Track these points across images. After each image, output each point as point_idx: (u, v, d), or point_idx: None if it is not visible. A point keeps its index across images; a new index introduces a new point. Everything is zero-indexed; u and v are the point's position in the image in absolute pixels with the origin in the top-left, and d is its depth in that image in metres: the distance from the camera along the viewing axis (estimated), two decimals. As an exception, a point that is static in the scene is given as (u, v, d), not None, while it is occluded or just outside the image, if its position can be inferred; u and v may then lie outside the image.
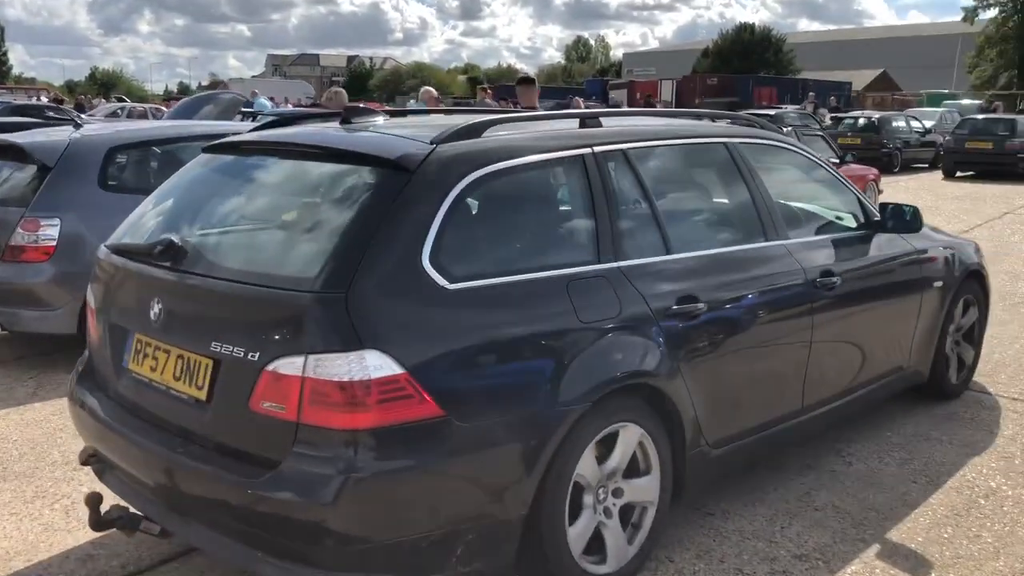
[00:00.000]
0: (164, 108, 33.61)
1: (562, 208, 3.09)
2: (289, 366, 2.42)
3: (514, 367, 2.65)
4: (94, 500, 2.92)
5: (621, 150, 3.20)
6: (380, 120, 3.24)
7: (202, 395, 2.64)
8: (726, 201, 3.69)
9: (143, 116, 29.04)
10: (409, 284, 2.53)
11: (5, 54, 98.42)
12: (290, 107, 27.01)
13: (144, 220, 3.23)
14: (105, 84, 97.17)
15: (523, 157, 2.90)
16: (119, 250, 3.09)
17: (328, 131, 3.14)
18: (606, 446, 2.91)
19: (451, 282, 2.57)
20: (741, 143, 3.71)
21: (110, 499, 3.02)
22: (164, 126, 6.45)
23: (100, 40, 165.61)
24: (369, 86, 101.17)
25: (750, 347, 3.38)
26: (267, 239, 2.90)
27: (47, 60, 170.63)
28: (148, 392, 2.85)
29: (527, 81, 8.22)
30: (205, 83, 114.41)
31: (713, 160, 3.67)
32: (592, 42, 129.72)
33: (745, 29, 75.37)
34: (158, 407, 2.81)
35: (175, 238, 2.81)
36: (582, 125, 3.23)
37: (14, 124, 8.15)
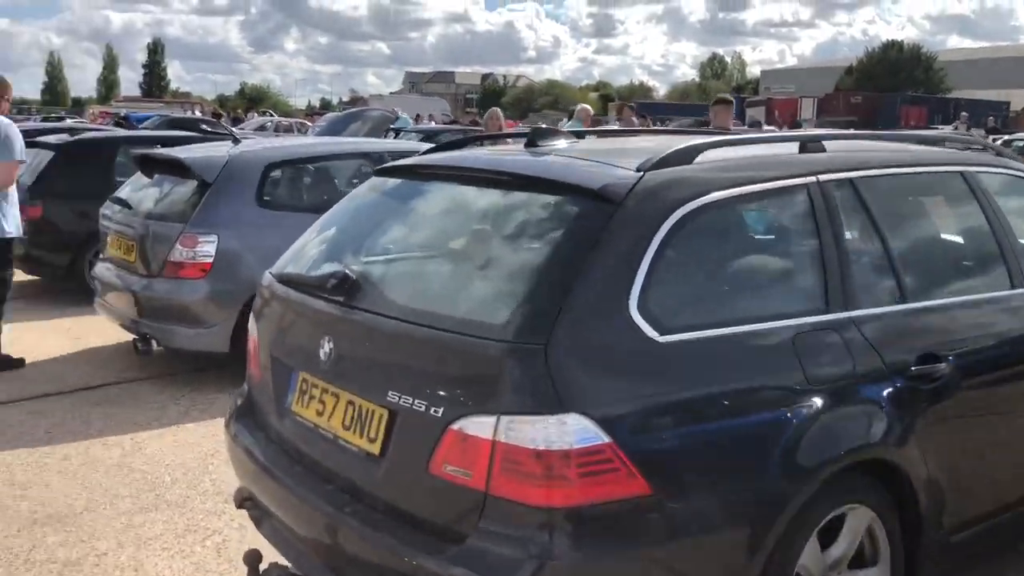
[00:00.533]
0: (308, 123, 34.82)
1: (785, 246, 2.66)
2: (478, 426, 2.09)
3: (733, 438, 2.24)
4: (252, 559, 2.67)
5: (849, 179, 2.74)
6: (563, 143, 2.90)
7: (374, 449, 2.35)
8: (965, 241, 3.16)
9: (288, 130, 30.06)
10: (615, 336, 2.16)
11: (164, 70, 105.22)
12: (433, 124, 27.38)
13: (312, 248, 3.00)
14: (253, 99, 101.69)
15: (742, 187, 2.50)
16: (287, 280, 2.85)
17: (515, 156, 2.82)
18: (830, 531, 2.46)
19: (662, 334, 2.19)
20: (980, 172, 3.18)
21: (266, 549, 2.79)
22: (319, 143, 6.36)
23: (250, 57, 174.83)
24: (502, 103, 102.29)
25: (996, 413, 2.86)
26: (451, 276, 2.58)
27: (201, 76, 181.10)
28: (313, 438, 2.59)
29: (724, 101, 7.69)
30: (346, 99, 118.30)
31: (950, 193, 3.15)
32: (728, 59, 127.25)
33: (892, 46, 72.27)
34: (323, 456, 2.54)
35: (350, 271, 2.54)
36: (802, 150, 2.79)
37: (176, 138, 8.32)
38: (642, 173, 2.38)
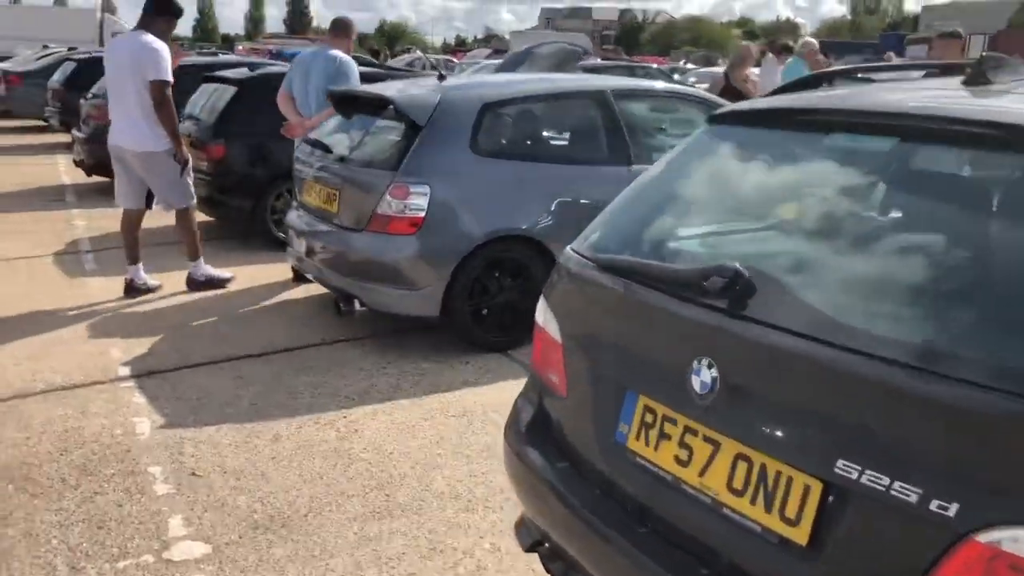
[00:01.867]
0: (454, 60, 34.15)
1: None
2: (1017, 543, 1.32)
3: None
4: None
5: None
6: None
7: (797, 536, 1.61)
8: None
9: (436, 68, 29.55)
10: None
11: (307, 7, 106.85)
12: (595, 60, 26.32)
13: (643, 221, 2.26)
14: (391, 36, 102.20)
15: None
16: (615, 267, 2.11)
17: (970, 98, 1.95)
18: None
19: None
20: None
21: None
22: (536, 80, 5.59)
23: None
24: (641, 40, 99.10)
25: None
26: (918, 277, 1.75)
27: (338, 12, 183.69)
28: (667, 493, 1.88)
29: (952, 35, 6.73)
30: (480, 36, 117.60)
31: None
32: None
33: (1080, -24, 65.44)
34: (689, 523, 1.83)
35: (740, 266, 1.78)
36: None
37: (363, 74, 7.78)
38: None
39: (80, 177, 10.31)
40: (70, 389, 4.30)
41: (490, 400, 4.27)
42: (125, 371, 4.56)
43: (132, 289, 5.88)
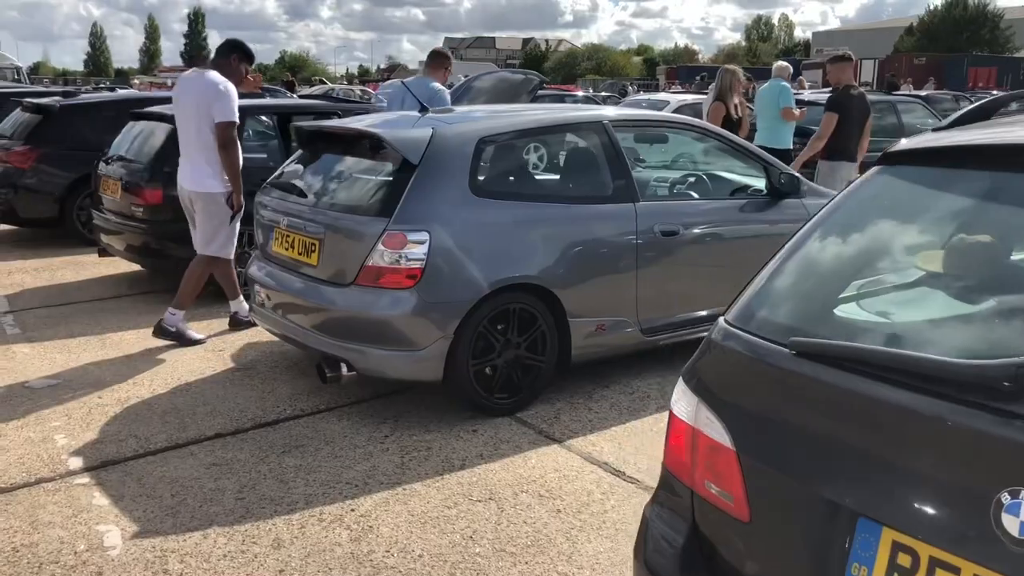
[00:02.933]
0: (371, 91, 33.47)
1: None
2: None
3: None
4: None
5: None
6: None
7: None
8: None
9: (353, 99, 28.84)
10: None
11: (205, 39, 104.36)
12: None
13: (831, 289, 1.78)
14: (292, 67, 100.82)
15: None
16: (831, 356, 1.61)
17: None
18: None
19: None
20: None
21: None
22: (530, 112, 5.10)
23: (285, 25, 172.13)
24: (543, 69, 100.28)
25: None
26: None
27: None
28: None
29: (844, 59, 7.68)
30: (383, 66, 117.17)
31: None
32: (774, 20, 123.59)
33: (956, 4, 69.17)
34: None
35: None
36: None
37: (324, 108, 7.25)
38: None
39: (-20, 227, 9.33)
40: (10, 492, 3.57)
41: (516, 477, 3.73)
42: (76, 463, 3.84)
43: (162, 332, 5.49)
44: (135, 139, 6.97)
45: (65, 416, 4.34)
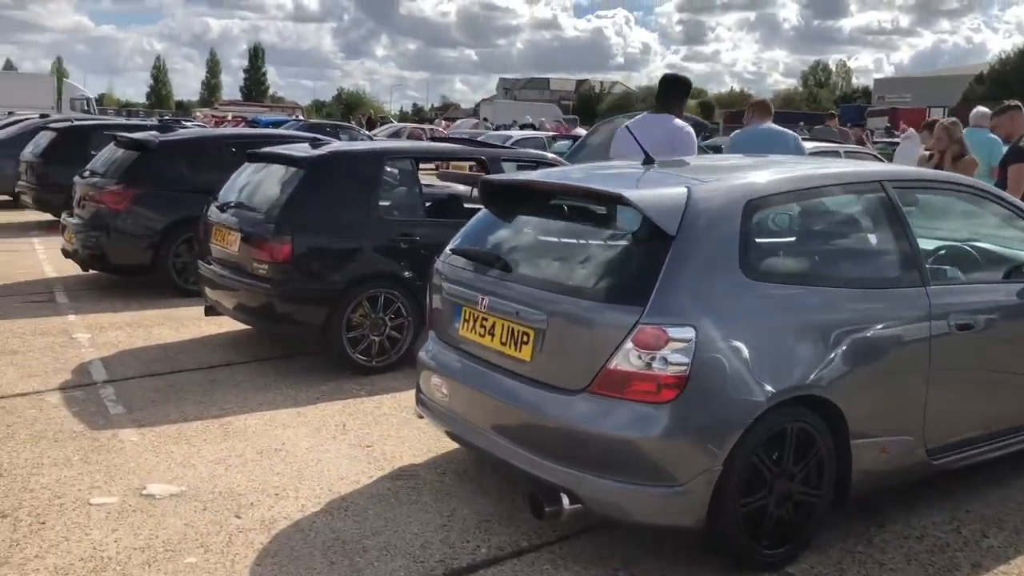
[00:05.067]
0: (441, 129, 32.81)
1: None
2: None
3: None
4: None
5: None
6: None
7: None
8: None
9: (418, 138, 28.25)
10: None
11: (264, 75, 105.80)
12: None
13: None
14: (348, 104, 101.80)
15: None
16: None
17: None
18: None
19: None
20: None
21: None
22: (791, 164, 4.07)
23: (341, 63, 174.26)
24: (598, 110, 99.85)
25: None
26: None
27: (294, 81, 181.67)
28: None
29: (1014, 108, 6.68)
30: (437, 105, 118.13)
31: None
32: (832, 66, 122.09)
33: (1030, 52, 67.37)
34: None
35: None
36: None
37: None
38: None
39: (68, 269, 8.55)
40: None
41: None
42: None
43: None
44: (255, 183, 6.07)
45: (201, 547, 3.35)
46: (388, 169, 6.17)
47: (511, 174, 4.68)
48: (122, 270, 8.00)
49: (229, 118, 42.43)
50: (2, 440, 4.37)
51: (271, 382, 5.44)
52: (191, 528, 3.50)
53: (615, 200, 3.37)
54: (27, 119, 15.99)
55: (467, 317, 3.67)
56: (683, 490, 3.08)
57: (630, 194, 3.30)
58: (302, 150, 6.03)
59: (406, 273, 5.67)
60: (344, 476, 4.06)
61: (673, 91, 5.34)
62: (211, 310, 6.21)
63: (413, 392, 4.09)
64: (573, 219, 3.71)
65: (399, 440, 4.53)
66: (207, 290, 6.17)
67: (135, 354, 6.03)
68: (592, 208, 3.57)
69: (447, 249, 4.00)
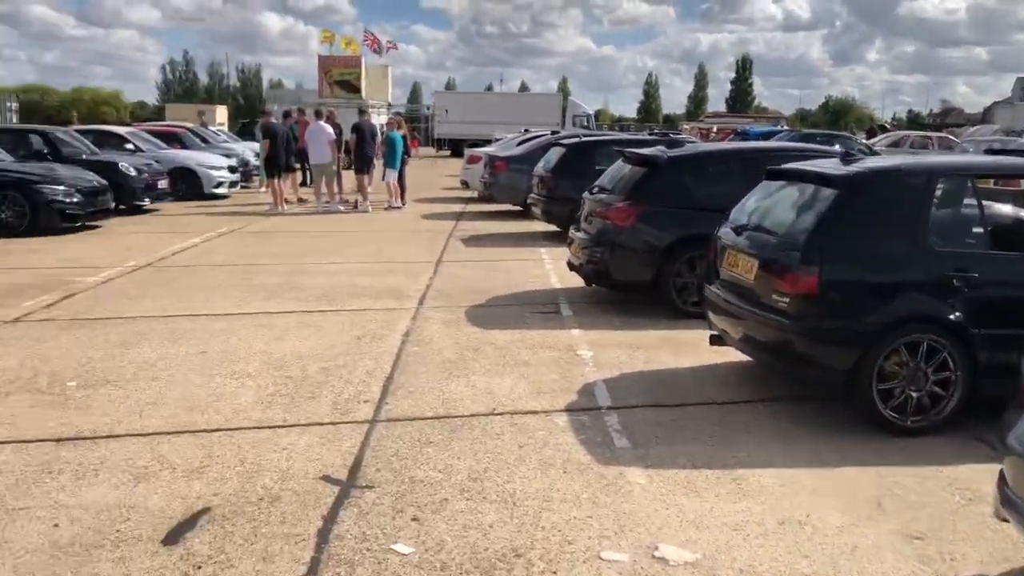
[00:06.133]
0: (951, 137, 29.26)
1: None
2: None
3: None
4: None
5: None
6: None
7: None
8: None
9: (924, 147, 25.49)
10: None
11: (751, 86, 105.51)
12: None
13: None
14: (836, 112, 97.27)
15: None
16: None
17: None
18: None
19: None
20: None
21: None
22: None
23: (830, 71, 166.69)
24: None
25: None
26: None
27: (778, 91, 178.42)
28: None
29: None
30: (936, 110, 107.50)
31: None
32: None
33: None
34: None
35: None
36: None
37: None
38: None
39: (572, 281, 8.79)
40: None
41: None
42: None
43: None
44: (776, 203, 5.46)
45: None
46: (940, 189, 5.13)
47: None
48: (624, 287, 7.96)
49: (714, 130, 42.81)
50: (515, 464, 4.31)
51: (784, 429, 4.79)
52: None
53: None
54: (540, 135, 17.37)
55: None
56: None
57: None
58: (832, 166, 5.26)
59: (957, 316, 4.62)
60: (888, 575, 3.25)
61: None
62: (717, 339, 5.73)
63: (964, 468, 3.16)
64: None
65: (956, 535, 3.58)
66: (711, 315, 5.71)
67: (636, 379, 5.80)
68: None
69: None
